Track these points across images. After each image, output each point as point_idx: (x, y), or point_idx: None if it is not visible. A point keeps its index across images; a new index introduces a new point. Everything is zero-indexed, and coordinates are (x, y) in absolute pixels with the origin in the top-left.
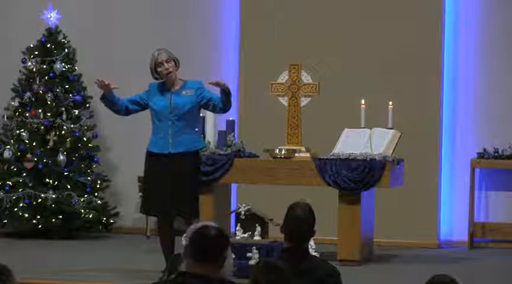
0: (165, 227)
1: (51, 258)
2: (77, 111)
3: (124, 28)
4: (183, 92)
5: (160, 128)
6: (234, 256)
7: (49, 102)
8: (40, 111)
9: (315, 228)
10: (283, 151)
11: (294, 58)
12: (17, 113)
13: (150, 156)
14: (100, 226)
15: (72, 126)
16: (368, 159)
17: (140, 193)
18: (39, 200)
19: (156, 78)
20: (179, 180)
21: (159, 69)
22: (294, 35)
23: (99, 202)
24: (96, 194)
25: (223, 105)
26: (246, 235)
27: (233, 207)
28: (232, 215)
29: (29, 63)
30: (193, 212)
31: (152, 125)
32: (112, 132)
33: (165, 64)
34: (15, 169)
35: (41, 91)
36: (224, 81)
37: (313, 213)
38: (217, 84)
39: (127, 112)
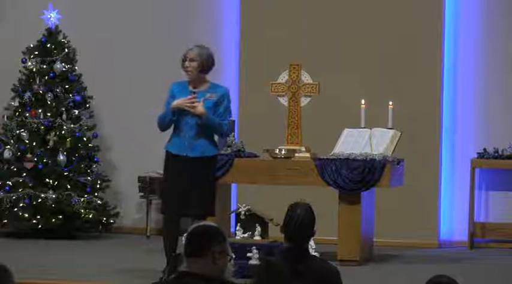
0: (171, 228)
1: (51, 258)
2: (77, 111)
3: (124, 28)
4: (208, 95)
5: (179, 129)
6: (234, 256)
7: (49, 102)
8: (40, 111)
9: (315, 228)
10: (283, 151)
11: (294, 58)
12: (17, 113)
13: (169, 155)
14: (100, 226)
15: (72, 126)
16: (368, 159)
17: (140, 193)
18: (39, 200)
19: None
20: (194, 182)
21: (183, 63)
22: (294, 35)
23: (99, 202)
24: (96, 194)
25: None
26: (246, 235)
27: (233, 207)
28: (232, 215)
29: (29, 63)
30: (207, 214)
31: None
32: (112, 132)
33: (187, 62)
34: (15, 169)
35: (41, 91)
36: (202, 107)
37: (313, 213)
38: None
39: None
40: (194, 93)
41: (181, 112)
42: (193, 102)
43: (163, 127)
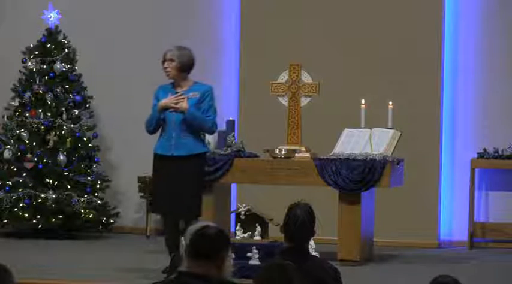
0: (169, 227)
1: (51, 258)
2: (77, 111)
3: (124, 28)
4: (190, 94)
5: (165, 130)
6: (234, 256)
7: (49, 102)
8: (40, 111)
9: (315, 228)
10: (283, 151)
11: (294, 58)
12: (17, 113)
13: (156, 157)
14: (100, 226)
15: (72, 126)
16: (368, 159)
17: (140, 194)
18: (39, 200)
19: None
20: (181, 181)
21: (163, 65)
22: (294, 35)
23: (99, 202)
24: (96, 194)
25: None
26: (246, 235)
27: (233, 207)
28: (232, 215)
29: (29, 63)
30: (194, 213)
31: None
32: (112, 132)
33: (166, 63)
34: (15, 169)
35: (41, 91)
36: (187, 104)
37: (313, 213)
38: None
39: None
40: (177, 93)
41: (167, 112)
42: (178, 100)
43: (151, 129)
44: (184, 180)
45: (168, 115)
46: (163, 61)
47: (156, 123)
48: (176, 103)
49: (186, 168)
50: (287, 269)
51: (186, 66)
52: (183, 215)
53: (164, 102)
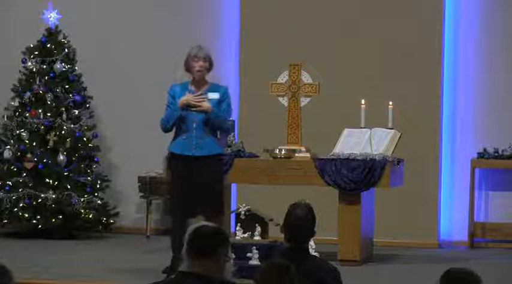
0: (180, 227)
1: (51, 258)
2: (77, 111)
3: (124, 28)
4: (210, 94)
5: (183, 129)
6: (234, 256)
7: (49, 102)
8: (40, 111)
9: (315, 228)
10: (283, 151)
11: (294, 58)
12: (17, 113)
13: (173, 156)
14: (100, 226)
15: (72, 126)
16: (368, 159)
17: (140, 194)
18: (39, 200)
19: (187, 70)
20: (206, 180)
21: (193, 64)
22: (294, 35)
23: (99, 202)
24: (96, 194)
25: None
26: (246, 235)
27: (233, 207)
28: (232, 215)
29: (29, 63)
30: (220, 212)
31: (176, 126)
32: (112, 132)
33: (201, 62)
34: (15, 169)
35: (41, 91)
36: (208, 102)
37: (313, 213)
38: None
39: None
40: (195, 91)
41: (187, 111)
42: (200, 100)
43: (169, 127)
44: (208, 179)
45: (188, 114)
46: (195, 59)
47: (175, 122)
48: (199, 102)
49: (209, 168)
50: (287, 269)
51: (211, 68)
52: (210, 214)
53: (185, 98)
